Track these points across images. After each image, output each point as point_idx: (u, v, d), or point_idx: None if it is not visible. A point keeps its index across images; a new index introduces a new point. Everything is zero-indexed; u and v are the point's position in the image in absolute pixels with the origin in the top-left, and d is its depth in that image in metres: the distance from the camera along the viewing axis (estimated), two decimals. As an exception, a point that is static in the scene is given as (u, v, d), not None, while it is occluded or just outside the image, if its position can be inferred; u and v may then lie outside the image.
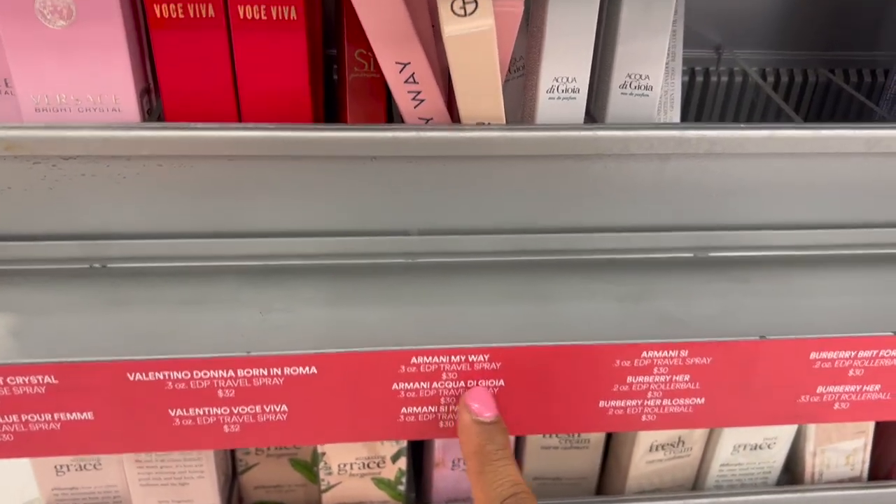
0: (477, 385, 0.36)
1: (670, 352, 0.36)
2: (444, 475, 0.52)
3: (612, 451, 0.54)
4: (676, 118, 0.43)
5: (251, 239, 0.40)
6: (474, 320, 0.38)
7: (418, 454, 0.55)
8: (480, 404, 0.36)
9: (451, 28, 0.32)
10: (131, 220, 0.39)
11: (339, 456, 0.50)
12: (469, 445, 0.35)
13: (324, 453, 0.50)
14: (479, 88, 0.36)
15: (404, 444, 0.50)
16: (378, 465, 0.50)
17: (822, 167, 0.41)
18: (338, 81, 0.43)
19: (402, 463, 0.51)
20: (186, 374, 0.34)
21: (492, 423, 0.36)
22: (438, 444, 0.51)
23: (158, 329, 0.36)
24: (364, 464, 0.50)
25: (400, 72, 0.37)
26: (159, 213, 0.39)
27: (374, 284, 0.40)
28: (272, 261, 0.40)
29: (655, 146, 0.38)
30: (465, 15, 0.32)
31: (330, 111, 0.45)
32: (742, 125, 0.39)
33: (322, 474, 0.50)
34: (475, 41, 0.33)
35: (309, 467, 0.53)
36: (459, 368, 0.36)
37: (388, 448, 0.50)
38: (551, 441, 0.52)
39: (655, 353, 0.36)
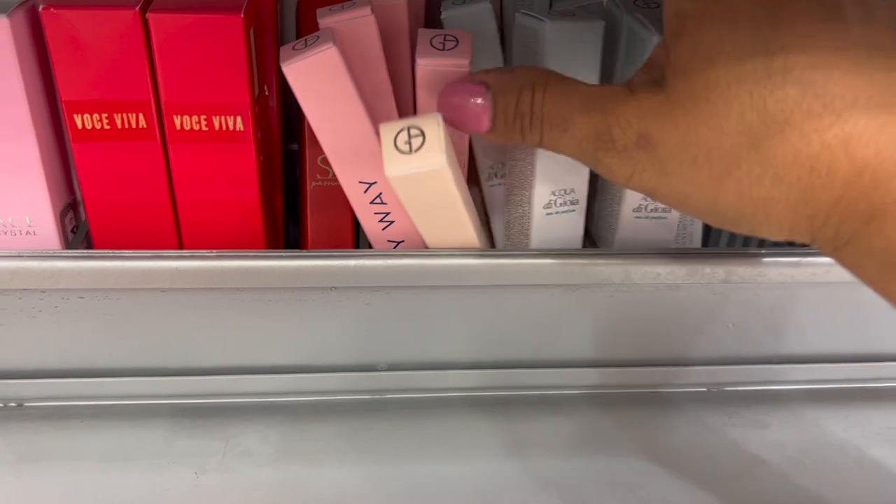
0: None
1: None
2: None
3: None
4: (697, 234, 0.38)
5: (189, 377, 0.34)
6: (448, 485, 0.32)
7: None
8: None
9: (394, 169, 0.27)
10: (49, 357, 0.33)
11: None
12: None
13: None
14: (442, 222, 0.30)
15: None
16: None
17: (853, 295, 0.36)
18: (299, 185, 0.38)
19: None
20: (98, 562, 0.29)
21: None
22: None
23: (76, 500, 0.31)
24: None
25: (364, 192, 0.32)
26: (81, 350, 0.33)
27: (332, 430, 0.34)
28: (213, 399, 0.35)
29: (663, 276, 0.33)
30: (411, 151, 0.27)
31: (292, 215, 0.40)
32: (760, 250, 0.34)
33: None
34: (425, 180, 0.27)
35: None
36: (428, 552, 0.30)
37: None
38: None
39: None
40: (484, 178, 0.36)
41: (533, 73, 0.26)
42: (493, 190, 0.36)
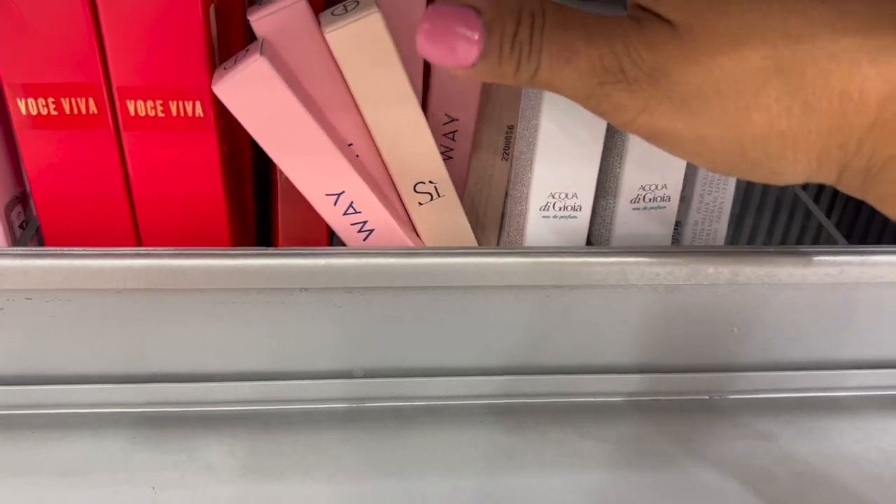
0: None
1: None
2: None
3: None
4: (722, 232, 0.35)
5: (148, 385, 0.32)
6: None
7: None
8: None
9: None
10: (-4, 362, 0.31)
11: None
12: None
13: None
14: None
15: None
16: None
17: (867, 296, 0.33)
18: (270, 178, 0.35)
19: None
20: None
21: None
22: None
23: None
24: None
25: (335, 204, 0.29)
26: (29, 355, 0.31)
27: (304, 441, 0.32)
28: (174, 408, 0.32)
29: (662, 277, 0.30)
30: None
31: (265, 211, 0.37)
32: (768, 248, 0.31)
33: None
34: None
35: None
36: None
37: None
38: None
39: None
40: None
41: None
42: (501, 166, 0.34)
